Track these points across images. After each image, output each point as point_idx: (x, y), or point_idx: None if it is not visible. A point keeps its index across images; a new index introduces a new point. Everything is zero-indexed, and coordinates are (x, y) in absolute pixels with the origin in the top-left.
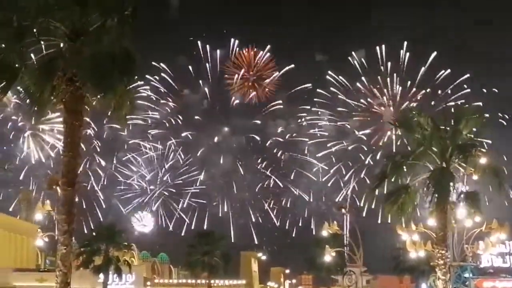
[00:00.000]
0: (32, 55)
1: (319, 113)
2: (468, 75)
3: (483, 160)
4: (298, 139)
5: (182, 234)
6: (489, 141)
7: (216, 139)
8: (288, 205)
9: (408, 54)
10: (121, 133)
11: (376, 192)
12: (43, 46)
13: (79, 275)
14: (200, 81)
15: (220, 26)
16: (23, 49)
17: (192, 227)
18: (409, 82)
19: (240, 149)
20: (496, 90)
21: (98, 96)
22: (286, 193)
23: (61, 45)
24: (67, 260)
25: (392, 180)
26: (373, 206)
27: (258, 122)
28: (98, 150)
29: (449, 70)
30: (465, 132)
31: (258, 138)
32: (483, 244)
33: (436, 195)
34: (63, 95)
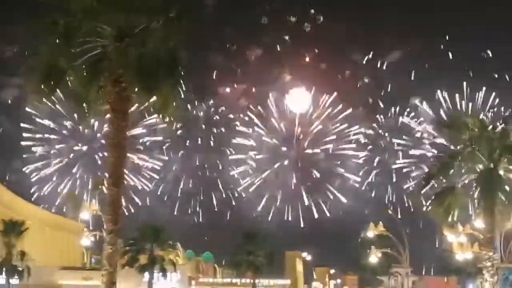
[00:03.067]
0: (79, 57)
1: None
2: None
3: None
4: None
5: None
6: None
7: None
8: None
9: None
10: None
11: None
12: (90, 48)
13: (124, 274)
14: None
15: None
16: (70, 50)
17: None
18: None
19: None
20: None
21: (144, 97)
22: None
23: (107, 47)
24: (113, 260)
25: (440, 180)
26: (423, 207)
27: None
28: None
29: None
30: None
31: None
32: None
33: (484, 197)
34: (109, 96)
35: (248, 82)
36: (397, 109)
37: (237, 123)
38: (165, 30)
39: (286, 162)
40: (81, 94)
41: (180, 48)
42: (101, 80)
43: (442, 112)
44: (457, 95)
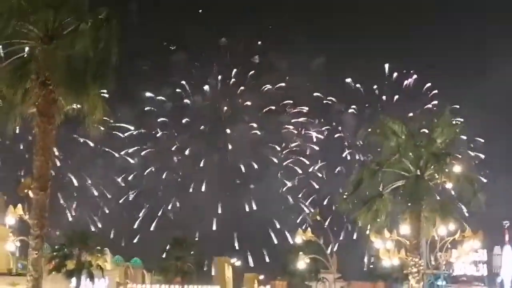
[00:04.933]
0: (5, 58)
1: None
2: None
3: (457, 169)
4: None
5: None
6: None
7: None
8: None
9: None
10: None
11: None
12: (17, 50)
13: (51, 279)
14: None
15: None
16: None
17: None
18: None
19: None
20: None
21: (71, 100)
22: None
23: (35, 48)
24: (38, 265)
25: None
26: (350, 213)
27: None
28: None
29: None
30: (440, 140)
31: None
32: (457, 252)
33: (410, 203)
34: (35, 98)
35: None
36: None
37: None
38: (94, 32)
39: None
40: (7, 96)
41: (110, 51)
42: (28, 82)
43: None
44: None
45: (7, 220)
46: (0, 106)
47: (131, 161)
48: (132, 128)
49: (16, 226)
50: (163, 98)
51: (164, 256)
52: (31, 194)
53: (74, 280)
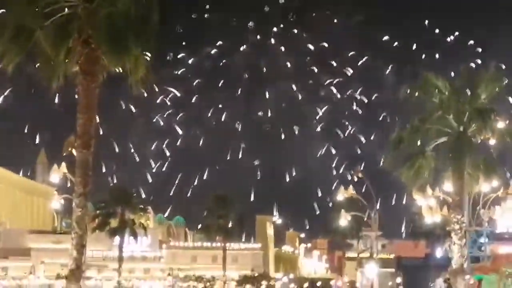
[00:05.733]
0: (48, 17)
1: None
2: None
3: (501, 125)
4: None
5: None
6: None
7: None
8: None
9: None
10: None
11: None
12: (59, 8)
13: (95, 237)
14: None
15: None
16: (38, 11)
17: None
18: None
19: None
20: None
21: (114, 59)
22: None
23: (77, 7)
24: (82, 223)
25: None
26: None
27: None
28: None
29: None
30: (483, 96)
31: None
32: (500, 209)
33: (453, 160)
34: (78, 57)
35: None
36: None
37: None
38: None
39: None
40: (50, 55)
41: (151, 9)
42: (71, 41)
43: None
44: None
45: (51, 179)
46: (43, 65)
47: (169, 125)
48: (173, 90)
49: (61, 184)
50: (198, 59)
51: (205, 214)
52: (74, 152)
53: (117, 238)
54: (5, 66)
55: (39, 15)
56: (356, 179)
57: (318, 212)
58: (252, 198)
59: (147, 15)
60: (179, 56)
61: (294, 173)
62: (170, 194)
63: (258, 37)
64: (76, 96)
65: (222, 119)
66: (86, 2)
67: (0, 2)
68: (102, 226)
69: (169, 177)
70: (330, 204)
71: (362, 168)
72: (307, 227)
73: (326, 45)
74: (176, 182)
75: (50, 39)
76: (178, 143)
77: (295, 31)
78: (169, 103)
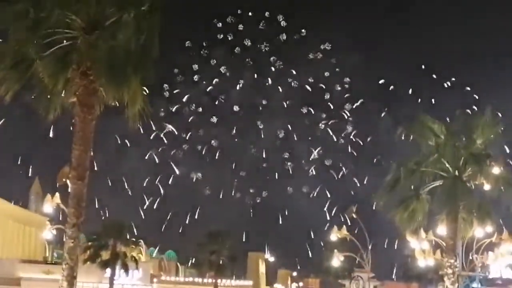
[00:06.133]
0: (48, 47)
1: None
2: None
3: (496, 170)
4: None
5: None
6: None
7: None
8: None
9: None
10: None
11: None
12: (59, 39)
13: (86, 269)
14: None
15: None
16: (38, 41)
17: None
18: None
19: None
20: None
21: (112, 91)
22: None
23: (77, 38)
24: (74, 254)
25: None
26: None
27: None
28: None
29: None
30: (479, 141)
31: None
32: (493, 254)
33: (447, 204)
34: (76, 88)
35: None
36: None
37: None
38: (136, 24)
39: None
40: (48, 85)
41: (152, 43)
42: (69, 72)
43: None
44: None
45: (44, 209)
46: (41, 95)
47: (160, 159)
48: (169, 126)
49: (53, 214)
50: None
51: (197, 249)
52: (69, 183)
53: (108, 270)
54: (3, 93)
55: (39, 44)
56: (348, 220)
57: (309, 252)
58: (244, 236)
59: (147, 48)
60: (174, 92)
61: (286, 212)
62: (162, 229)
63: (255, 76)
64: (72, 128)
65: (216, 157)
66: (86, 33)
67: (1, 30)
68: (94, 258)
69: (162, 212)
70: (322, 244)
71: (355, 210)
72: (299, 267)
73: (323, 86)
74: (168, 217)
75: (49, 69)
76: (171, 178)
77: (293, 71)
78: (165, 140)
